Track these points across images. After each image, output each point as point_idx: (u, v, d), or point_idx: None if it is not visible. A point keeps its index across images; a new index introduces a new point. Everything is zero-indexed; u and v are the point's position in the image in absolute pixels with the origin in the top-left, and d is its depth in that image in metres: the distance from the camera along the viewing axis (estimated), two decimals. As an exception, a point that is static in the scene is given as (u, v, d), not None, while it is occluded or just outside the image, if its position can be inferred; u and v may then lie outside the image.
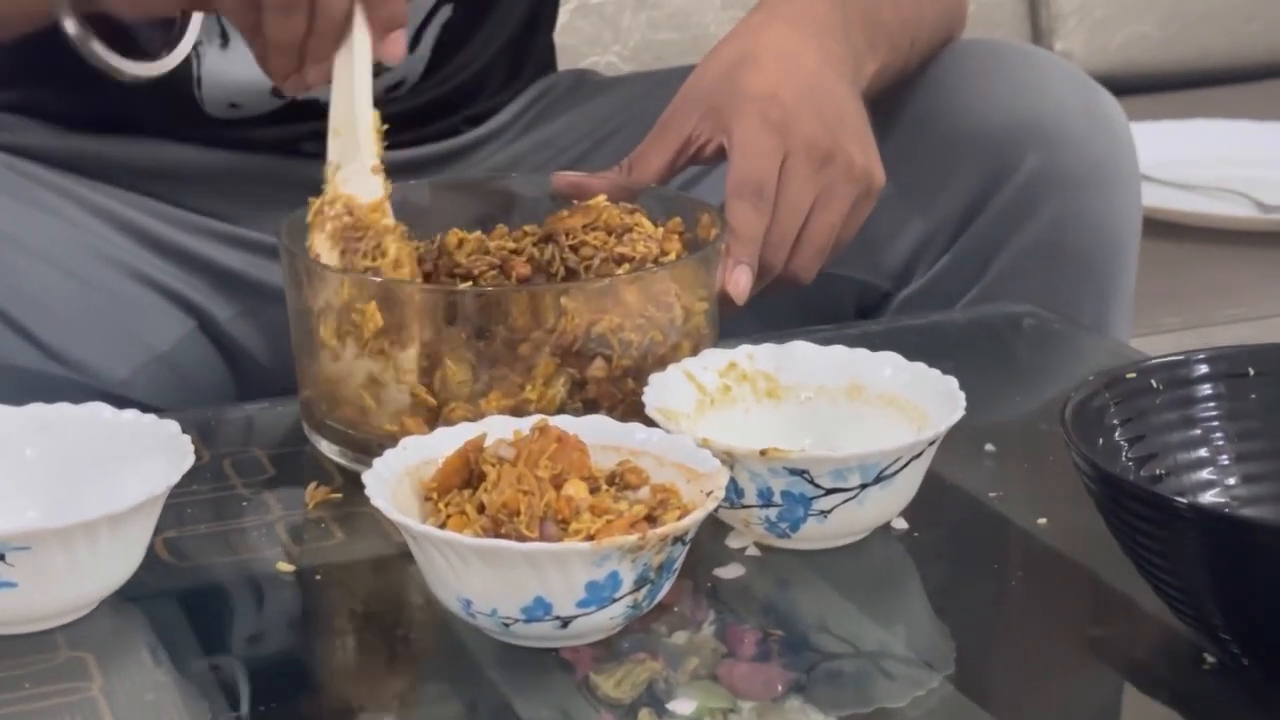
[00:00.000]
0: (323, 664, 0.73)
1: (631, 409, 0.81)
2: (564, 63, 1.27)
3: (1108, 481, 0.68)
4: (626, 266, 0.87)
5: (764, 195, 0.93)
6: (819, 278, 1.05)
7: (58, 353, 0.99)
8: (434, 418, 0.81)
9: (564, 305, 0.81)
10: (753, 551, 0.79)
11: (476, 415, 0.79)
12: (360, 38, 0.85)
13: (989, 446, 0.88)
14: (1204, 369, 0.76)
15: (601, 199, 0.91)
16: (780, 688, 0.69)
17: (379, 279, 0.84)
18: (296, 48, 0.85)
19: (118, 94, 0.94)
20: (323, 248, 0.86)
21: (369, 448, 0.81)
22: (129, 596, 0.74)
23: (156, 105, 1.06)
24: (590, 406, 0.81)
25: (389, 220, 0.87)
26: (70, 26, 0.87)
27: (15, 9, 0.96)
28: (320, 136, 0.89)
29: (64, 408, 0.79)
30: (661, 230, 0.89)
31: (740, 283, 0.90)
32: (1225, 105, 1.85)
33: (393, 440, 0.75)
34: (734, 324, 0.93)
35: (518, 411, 0.79)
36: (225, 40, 1.05)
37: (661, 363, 0.83)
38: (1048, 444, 0.88)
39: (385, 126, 0.88)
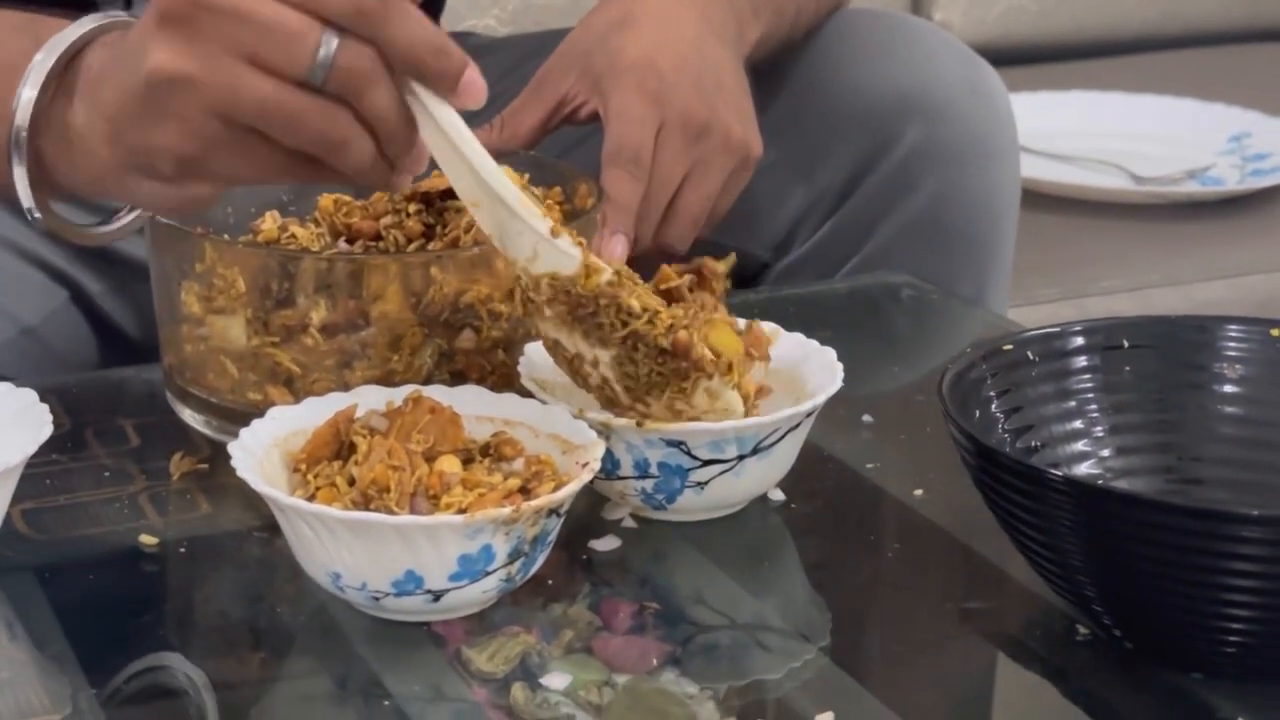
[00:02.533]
0: (187, 640, 0.71)
1: (503, 381, 0.80)
2: (442, 25, 1.25)
3: (983, 454, 0.67)
4: None
5: (640, 163, 0.92)
6: (697, 247, 1.04)
7: None
8: (298, 387, 0.79)
9: (432, 275, 0.79)
10: (629, 524, 0.78)
11: (340, 385, 0.77)
12: (435, 105, 0.70)
13: (866, 418, 0.88)
14: (1080, 341, 0.76)
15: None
16: (655, 660, 0.69)
17: (239, 243, 0.81)
18: (381, 160, 0.71)
19: None
20: (560, 334, 0.74)
21: (232, 416, 0.79)
22: (-16, 570, 0.72)
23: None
24: (459, 378, 0.80)
25: (606, 275, 0.74)
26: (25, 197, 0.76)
27: None
28: None
29: (-84, 376, 0.76)
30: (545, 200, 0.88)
31: (615, 251, 0.89)
32: (1100, 78, 1.86)
33: (256, 409, 0.73)
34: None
35: (384, 382, 0.77)
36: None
37: (530, 334, 0.82)
38: (925, 415, 0.88)
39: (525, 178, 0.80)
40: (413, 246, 0.84)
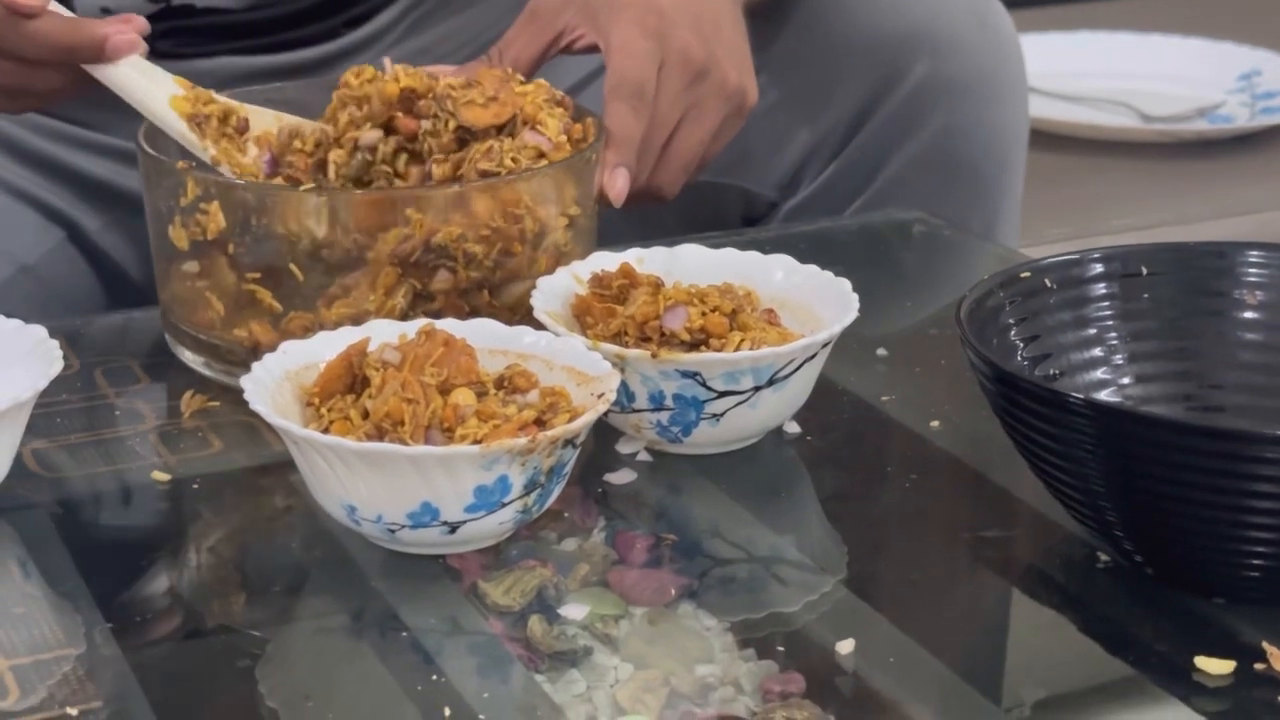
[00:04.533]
0: (202, 575, 0.71)
1: None
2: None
3: (1003, 379, 0.67)
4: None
5: (644, 98, 0.91)
6: (704, 187, 1.04)
7: None
8: (279, 324, 0.79)
9: (407, 214, 0.78)
10: (644, 457, 0.78)
11: (316, 323, 0.77)
12: (97, 71, 0.85)
13: (880, 351, 0.87)
14: (1098, 268, 0.75)
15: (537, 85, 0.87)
16: (672, 593, 0.68)
17: (224, 178, 0.81)
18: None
19: None
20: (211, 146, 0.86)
21: (222, 354, 0.79)
22: (-4, 508, 0.72)
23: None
24: (435, 319, 0.79)
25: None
26: None
27: None
28: (182, 33, 0.86)
29: (-77, 313, 0.75)
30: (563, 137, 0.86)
31: (617, 184, 0.88)
32: (1109, 17, 1.85)
33: (244, 347, 0.73)
34: (614, 234, 0.91)
35: (358, 322, 0.76)
36: None
37: (513, 276, 0.81)
38: (940, 348, 0.87)
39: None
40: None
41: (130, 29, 0.86)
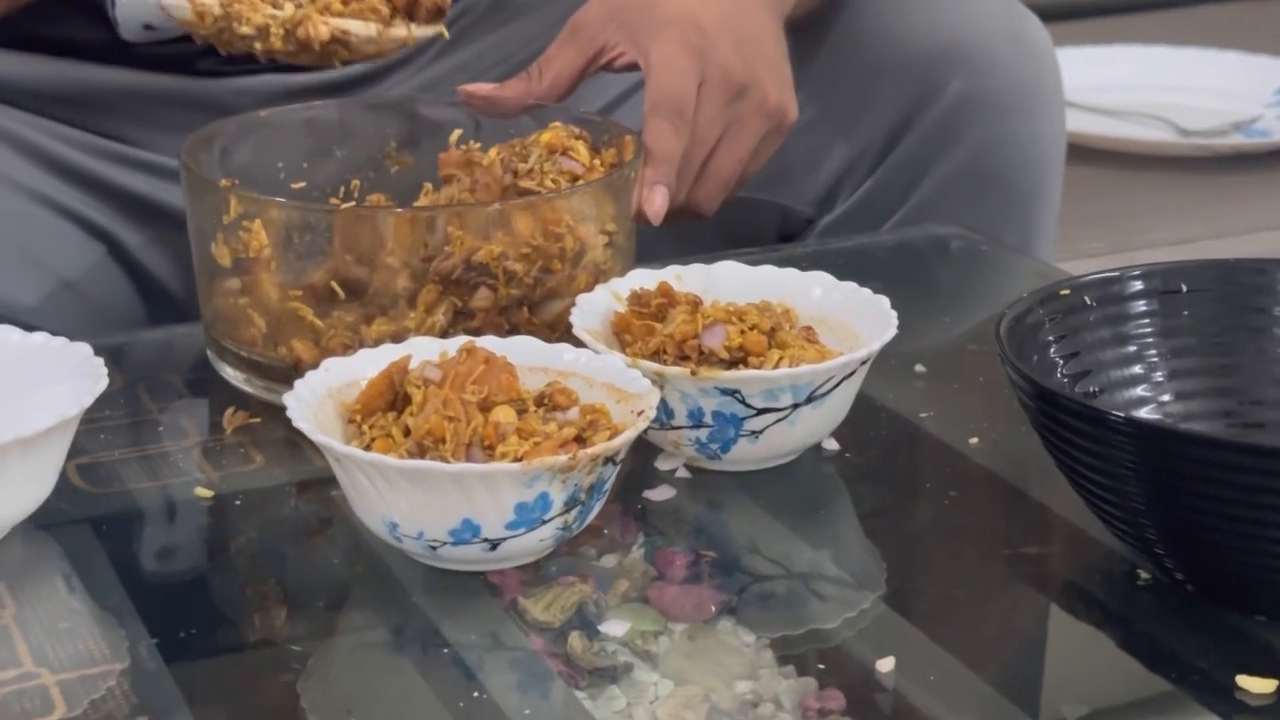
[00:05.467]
0: (245, 590, 0.71)
1: None
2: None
3: (1044, 396, 0.67)
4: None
5: (684, 115, 0.91)
6: (740, 203, 1.04)
7: None
8: (320, 342, 0.80)
9: (448, 232, 0.79)
10: (682, 474, 0.78)
11: (356, 341, 0.78)
12: None
13: (919, 368, 0.88)
14: (1138, 285, 0.75)
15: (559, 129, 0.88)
16: (712, 609, 0.68)
17: (265, 197, 0.81)
18: None
19: (20, 15, 0.91)
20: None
21: (263, 370, 0.79)
22: (41, 524, 0.72)
23: (65, 27, 1.03)
24: (475, 336, 0.79)
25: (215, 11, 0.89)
26: None
27: None
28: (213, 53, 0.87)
29: (-30, 331, 0.76)
30: (595, 160, 0.87)
31: (656, 202, 0.88)
32: (1145, 31, 1.85)
33: (286, 364, 0.73)
34: (652, 251, 0.91)
35: (398, 339, 0.77)
36: None
37: (553, 294, 0.81)
38: (978, 365, 0.87)
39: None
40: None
41: None
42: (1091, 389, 0.74)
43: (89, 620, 0.67)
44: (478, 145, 0.88)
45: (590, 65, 0.96)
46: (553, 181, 0.83)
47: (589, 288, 0.82)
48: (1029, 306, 0.73)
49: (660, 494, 0.76)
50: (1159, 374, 0.75)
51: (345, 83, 1.11)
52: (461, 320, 0.80)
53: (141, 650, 0.65)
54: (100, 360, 0.73)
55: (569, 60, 0.95)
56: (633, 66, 0.95)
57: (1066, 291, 0.74)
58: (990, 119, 1.06)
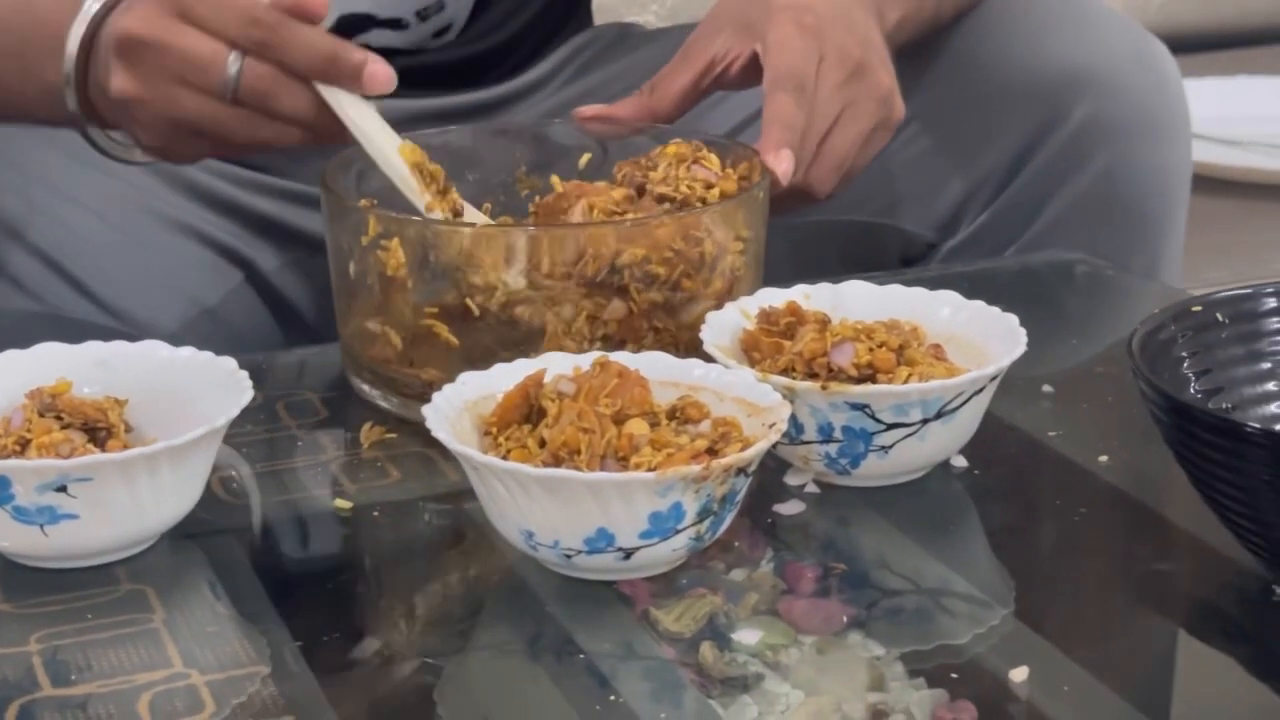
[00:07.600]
0: (384, 598, 0.73)
1: (664, 347, 0.80)
2: (601, 23, 1.26)
3: (1178, 410, 0.67)
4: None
5: (804, 89, 0.90)
6: (862, 227, 1.04)
7: (109, 305, 0.99)
8: (457, 359, 0.81)
9: (592, 237, 0.80)
10: (812, 489, 0.78)
11: (500, 357, 0.79)
12: (335, 98, 0.83)
13: (1046, 388, 0.88)
14: (1271, 302, 0.75)
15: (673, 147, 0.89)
16: (843, 621, 0.69)
17: (403, 216, 0.83)
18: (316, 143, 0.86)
19: None
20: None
21: (399, 387, 0.81)
22: (187, 533, 0.74)
23: None
24: (612, 339, 0.81)
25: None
26: (71, 103, 0.88)
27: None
28: None
29: (121, 345, 0.79)
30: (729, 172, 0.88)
31: (783, 164, 0.88)
32: (1266, 64, 1.83)
33: (422, 381, 0.75)
34: (777, 275, 0.92)
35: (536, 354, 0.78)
36: None
37: (691, 298, 0.82)
38: (1106, 385, 0.87)
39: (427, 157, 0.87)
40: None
41: (386, 65, 0.84)
42: (1225, 405, 0.73)
43: (234, 625, 0.69)
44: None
45: (703, 78, 0.96)
46: (688, 188, 0.84)
47: (724, 292, 0.83)
48: (1161, 323, 0.73)
49: (790, 508, 0.77)
50: (1292, 390, 0.74)
51: (474, 108, 1.13)
52: (599, 325, 0.81)
53: (285, 654, 0.67)
54: (245, 374, 0.75)
55: (680, 75, 0.96)
56: (746, 73, 0.95)
57: (1198, 308, 0.74)
58: (1117, 144, 1.06)
